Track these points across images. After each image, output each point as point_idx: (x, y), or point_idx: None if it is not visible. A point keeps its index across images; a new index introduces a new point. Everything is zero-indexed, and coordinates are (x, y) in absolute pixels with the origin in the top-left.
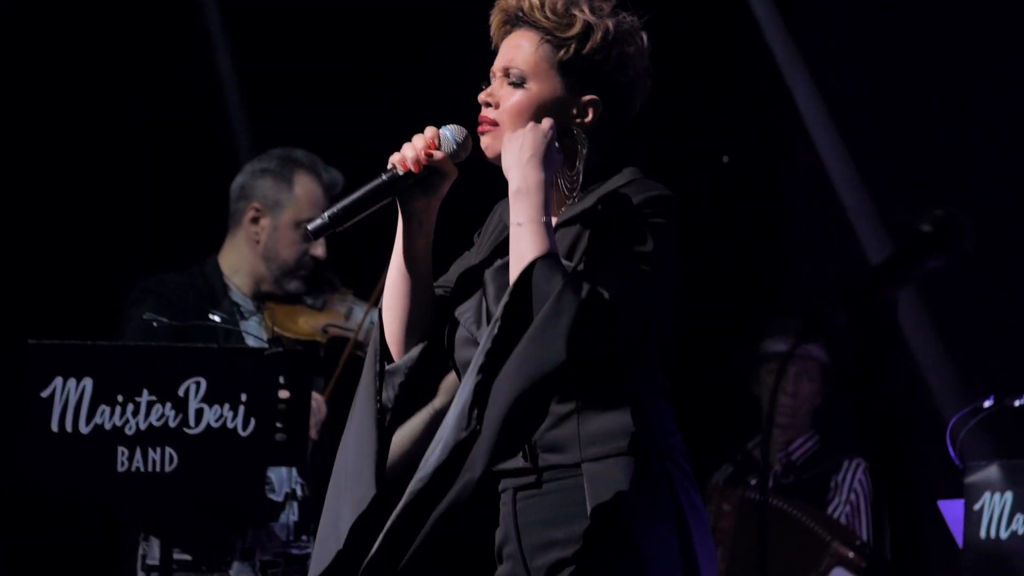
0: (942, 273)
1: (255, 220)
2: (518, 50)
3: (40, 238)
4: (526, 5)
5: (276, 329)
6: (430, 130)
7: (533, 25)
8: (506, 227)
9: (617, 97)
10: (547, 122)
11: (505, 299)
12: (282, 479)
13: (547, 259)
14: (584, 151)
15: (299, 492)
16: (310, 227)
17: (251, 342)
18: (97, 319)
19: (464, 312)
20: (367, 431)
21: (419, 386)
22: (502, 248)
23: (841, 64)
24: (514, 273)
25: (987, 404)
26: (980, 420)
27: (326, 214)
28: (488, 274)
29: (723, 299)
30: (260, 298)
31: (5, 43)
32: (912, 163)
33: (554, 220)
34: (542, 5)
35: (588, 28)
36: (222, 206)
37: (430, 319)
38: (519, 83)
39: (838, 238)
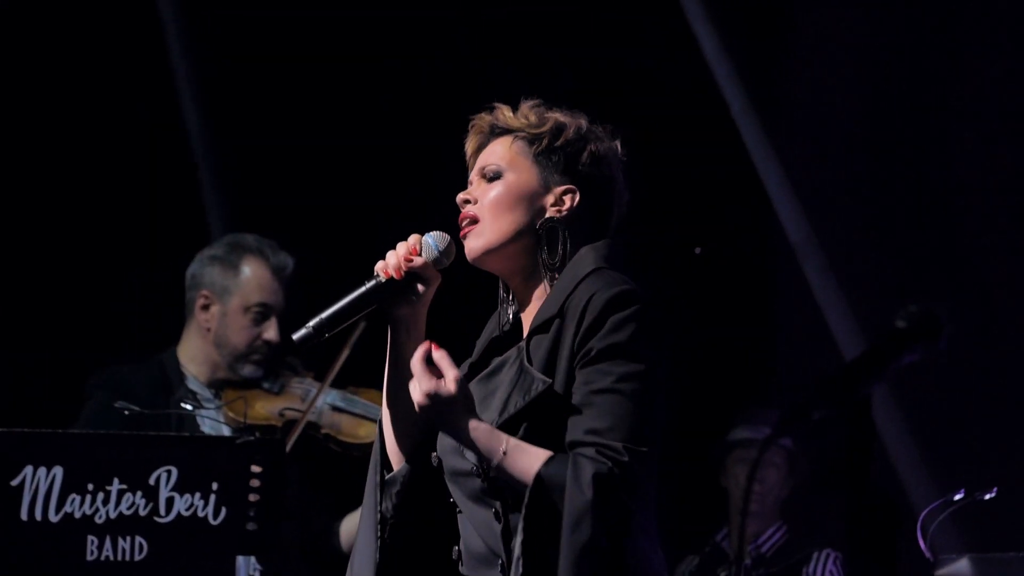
0: (914, 366)
1: (205, 308)
2: (492, 154)
3: (43, 298)
4: (500, 117)
5: (231, 414)
6: (413, 237)
7: (507, 131)
8: (493, 336)
9: (594, 190)
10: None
11: (520, 538)
12: (239, 565)
13: (537, 483)
14: (568, 242)
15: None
16: (295, 337)
17: (207, 429)
18: (69, 406)
19: None
20: (369, 543)
21: (421, 494)
22: (488, 356)
23: (816, 159)
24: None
25: (957, 497)
26: (950, 513)
27: (310, 324)
28: (472, 386)
29: (695, 391)
30: (218, 385)
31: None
32: (886, 259)
33: (528, 320)
34: (515, 113)
35: (561, 124)
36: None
37: (427, 425)
38: (496, 177)
39: (815, 333)
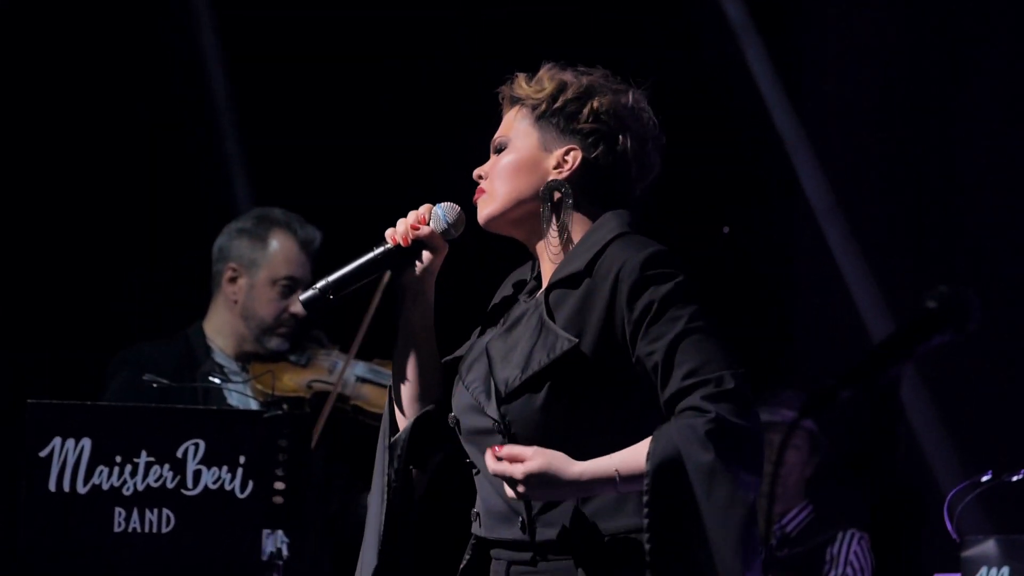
0: (941, 348)
1: (232, 280)
2: (503, 126)
3: (44, 297)
4: (513, 87)
5: (259, 387)
6: (424, 207)
7: (519, 100)
8: (508, 297)
9: (598, 147)
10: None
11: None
12: (265, 536)
13: (654, 471)
14: (570, 201)
15: (284, 552)
16: (301, 298)
17: (234, 402)
18: (98, 379)
19: (472, 381)
20: (376, 504)
21: (424, 455)
22: (505, 316)
23: (845, 138)
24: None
25: (985, 479)
26: (978, 494)
27: (318, 285)
28: (492, 342)
29: None
30: (244, 359)
31: None
32: (916, 240)
33: (544, 282)
34: (528, 80)
35: (562, 84)
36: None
37: (437, 390)
38: (502, 149)
39: (840, 314)
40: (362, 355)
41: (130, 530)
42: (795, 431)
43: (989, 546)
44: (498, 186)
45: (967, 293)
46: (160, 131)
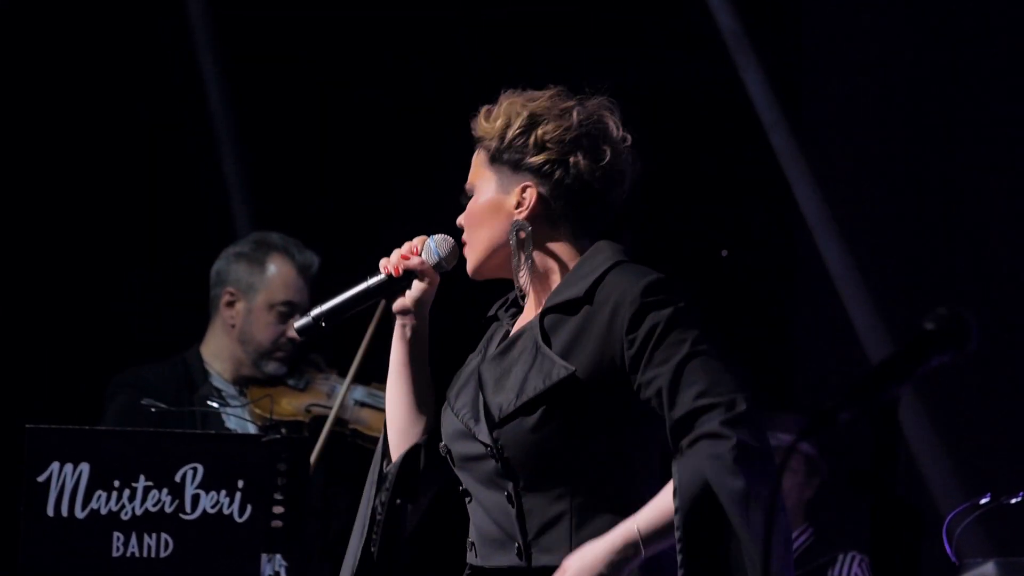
0: (940, 369)
1: (230, 304)
2: (472, 169)
3: (42, 322)
4: (475, 124)
5: (257, 411)
6: (418, 238)
7: (479, 140)
8: (495, 321)
9: (555, 175)
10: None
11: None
12: (263, 563)
13: (684, 516)
14: (527, 241)
15: (282, 574)
16: (296, 325)
17: (232, 426)
18: (96, 403)
19: (462, 408)
20: (356, 536)
21: (415, 486)
22: (495, 342)
23: (843, 162)
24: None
25: (984, 501)
26: (977, 517)
27: (312, 313)
28: (484, 367)
29: None
30: (242, 383)
31: None
32: (916, 260)
33: (520, 322)
34: (486, 116)
35: (507, 120)
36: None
37: (431, 422)
38: (471, 196)
39: (839, 336)
40: (360, 379)
41: (128, 555)
42: (792, 453)
43: (988, 569)
44: (472, 236)
45: (965, 314)
46: (159, 147)
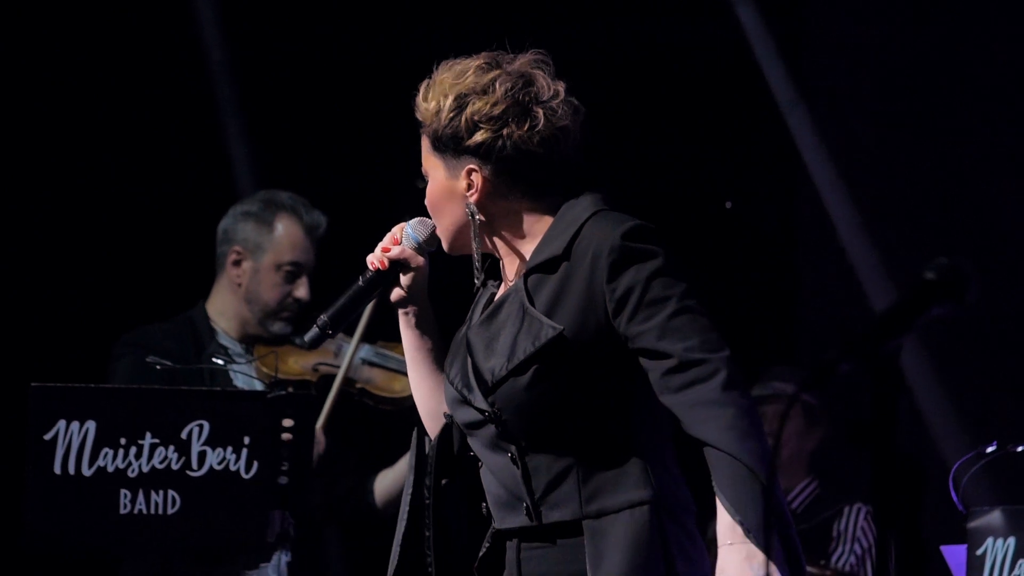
0: (942, 319)
1: (237, 263)
2: (423, 152)
3: (46, 282)
4: (416, 108)
5: (264, 369)
6: (397, 227)
7: (420, 125)
8: (485, 291)
9: (494, 153)
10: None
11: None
12: (273, 520)
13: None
14: (476, 222)
15: (291, 532)
16: (305, 338)
17: (240, 384)
18: (100, 361)
19: (455, 376)
20: (403, 518)
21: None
22: (480, 307)
23: (845, 110)
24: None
25: (990, 449)
26: (983, 465)
27: (317, 324)
28: (472, 333)
29: None
30: (248, 341)
31: None
32: (916, 210)
33: (504, 287)
34: (422, 100)
35: (437, 107)
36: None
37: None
38: (426, 182)
39: (842, 286)
40: (367, 338)
41: (136, 512)
42: (792, 405)
43: (995, 517)
44: (437, 221)
45: (965, 264)
46: (162, 108)
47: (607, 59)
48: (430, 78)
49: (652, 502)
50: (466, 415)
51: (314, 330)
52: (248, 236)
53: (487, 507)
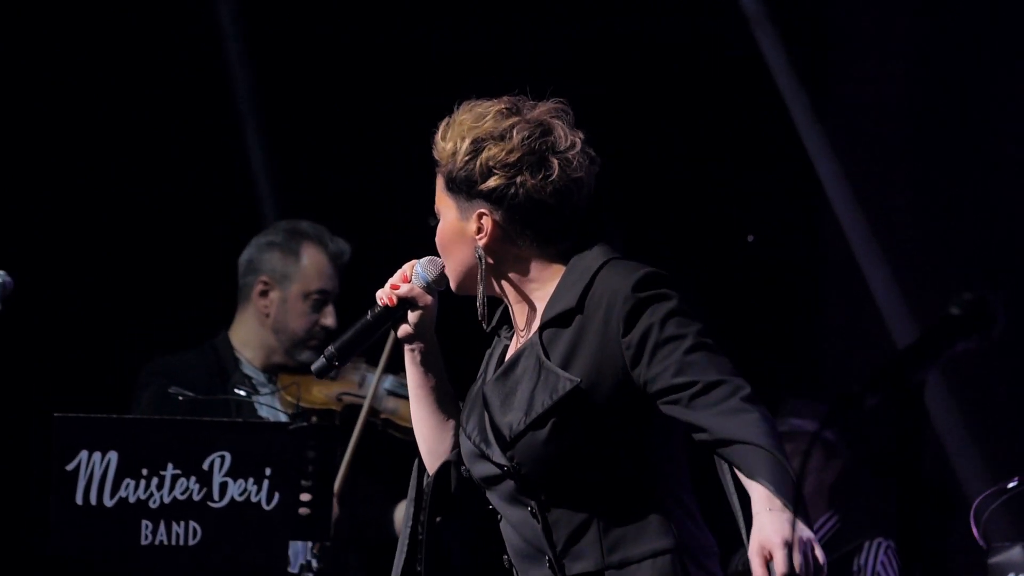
0: (967, 354)
1: (264, 293)
2: (436, 193)
3: (70, 311)
4: (434, 147)
5: (288, 398)
6: (408, 264)
7: (436, 164)
8: (499, 342)
9: (505, 200)
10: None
11: None
12: (296, 551)
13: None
14: (484, 265)
15: (314, 564)
16: (313, 368)
17: (264, 414)
18: (123, 392)
19: (472, 430)
20: (400, 549)
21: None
22: (495, 361)
23: (870, 145)
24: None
25: (1011, 485)
26: (1004, 501)
27: (325, 354)
28: (488, 388)
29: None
30: (272, 370)
31: None
32: (943, 246)
33: (516, 338)
34: (441, 138)
35: (454, 149)
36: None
37: (454, 439)
38: (437, 220)
39: (866, 321)
40: (390, 368)
41: (157, 543)
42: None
43: (1016, 553)
44: (446, 261)
45: (992, 299)
46: (184, 134)
47: (634, 88)
48: (450, 117)
49: (674, 550)
50: (484, 469)
51: (321, 360)
52: (275, 266)
53: (508, 559)
